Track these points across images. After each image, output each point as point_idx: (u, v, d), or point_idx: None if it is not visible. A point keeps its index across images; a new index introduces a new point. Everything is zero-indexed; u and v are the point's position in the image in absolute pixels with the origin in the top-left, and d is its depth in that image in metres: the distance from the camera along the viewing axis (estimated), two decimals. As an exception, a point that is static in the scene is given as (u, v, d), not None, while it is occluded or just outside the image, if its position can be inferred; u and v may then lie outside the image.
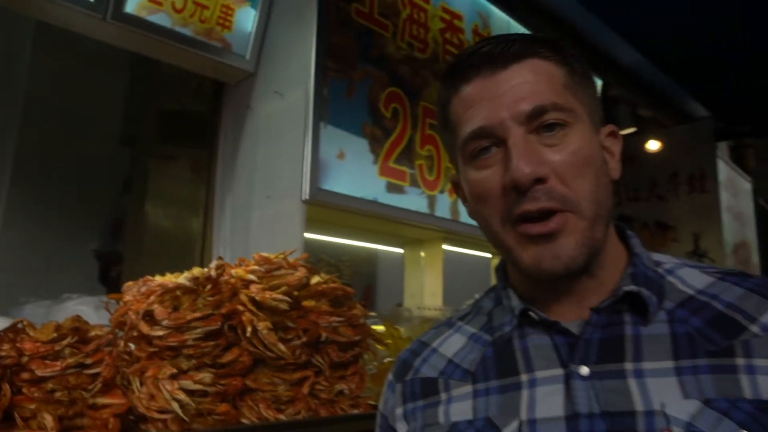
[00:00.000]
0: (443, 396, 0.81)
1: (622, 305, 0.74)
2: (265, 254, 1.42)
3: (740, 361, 0.67)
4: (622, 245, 0.81)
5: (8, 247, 2.67)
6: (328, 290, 1.44)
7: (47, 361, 1.00)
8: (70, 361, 1.02)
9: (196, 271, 1.31)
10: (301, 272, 1.38)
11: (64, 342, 1.03)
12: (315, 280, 1.44)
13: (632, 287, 0.73)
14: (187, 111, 2.63)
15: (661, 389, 0.67)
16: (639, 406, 0.66)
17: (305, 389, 1.33)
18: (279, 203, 2.19)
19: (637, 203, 4.63)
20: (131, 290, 1.33)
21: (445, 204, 2.62)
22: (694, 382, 0.66)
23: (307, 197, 2.07)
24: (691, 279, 0.76)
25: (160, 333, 1.17)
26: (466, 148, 0.77)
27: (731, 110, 4.65)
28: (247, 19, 2.34)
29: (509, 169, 0.71)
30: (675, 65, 4.12)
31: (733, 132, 4.86)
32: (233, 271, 1.35)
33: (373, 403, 1.46)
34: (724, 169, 4.50)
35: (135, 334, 1.22)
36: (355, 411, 1.42)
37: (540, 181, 0.71)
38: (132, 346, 1.24)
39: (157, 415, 1.13)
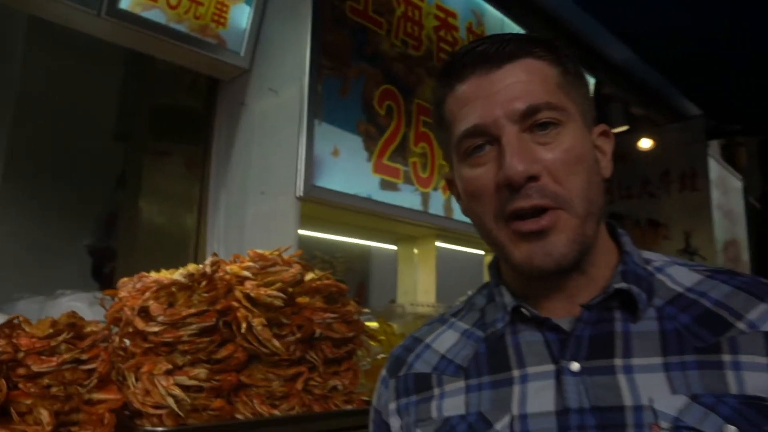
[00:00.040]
0: (436, 391, 0.82)
1: (612, 302, 0.75)
2: (259, 251, 1.43)
3: (727, 358, 0.68)
4: (613, 243, 0.82)
5: (1, 242, 2.66)
6: (322, 287, 1.45)
7: (43, 357, 1.01)
8: (66, 356, 1.03)
9: (192, 267, 1.31)
10: (295, 269, 1.38)
11: (60, 338, 1.03)
12: (309, 276, 1.45)
13: (623, 284, 0.74)
14: (181, 107, 2.63)
15: (650, 385, 0.68)
16: (628, 401, 0.68)
17: (299, 385, 1.33)
18: (273, 200, 2.20)
19: (630, 200, 4.66)
20: (126, 286, 1.33)
21: (438, 201, 2.63)
22: (682, 378, 0.68)
23: (302, 194, 2.07)
24: (680, 277, 0.78)
25: (156, 329, 1.18)
26: (460, 146, 0.78)
27: (723, 109, 4.68)
28: (242, 16, 2.34)
29: (503, 166, 0.72)
30: (668, 64, 4.15)
31: (724, 130, 4.89)
32: (228, 268, 1.36)
33: (366, 398, 1.47)
34: (715, 168, 4.53)
35: (130, 330, 1.22)
36: (349, 407, 1.43)
37: (533, 178, 0.72)
38: (127, 341, 1.25)
39: (152, 411, 1.14)
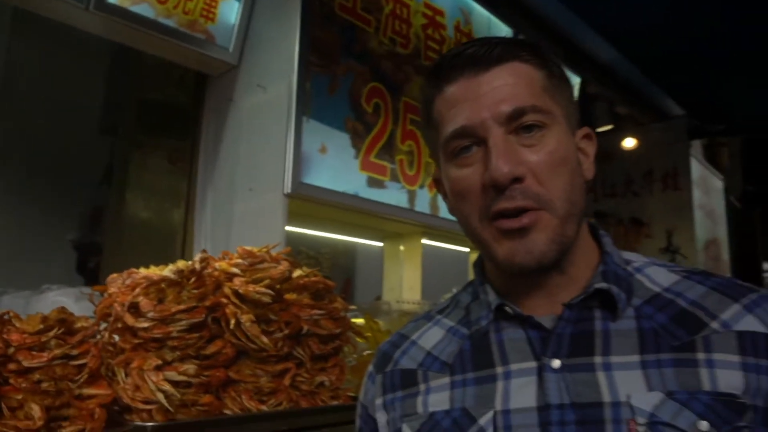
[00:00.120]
0: (422, 387, 0.84)
1: (592, 301, 0.77)
2: (248, 248, 1.44)
3: (701, 356, 0.71)
4: (594, 243, 0.85)
5: (-15, 236, 2.65)
6: (309, 284, 1.46)
7: (34, 352, 1.02)
8: (57, 352, 1.03)
9: (181, 263, 1.32)
10: (283, 266, 1.39)
11: (51, 333, 1.04)
12: (297, 273, 1.46)
13: (603, 284, 0.77)
14: (168, 102, 2.62)
15: (628, 382, 0.71)
16: (606, 397, 0.70)
17: (287, 381, 1.35)
18: (261, 196, 2.20)
19: (613, 199, 4.72)
20: (116, 282, 1.33)
21: (424, 199, 2.65)
22: (658, 375, 0.70)
23: (289, 191, 2.08)
24: (658, 277, 0.80)
25: (145, 325, 1.19)
26: (448, 146, 0.80)
27: (705, 109, 4.74)
28: (231, 12, 2.34)
29: (489, 168, 0.74)
30: (651, 63, 4.19)
31: (706, 130, 4.96)
32: (217, 264, 1.37)
33: (352, 394, 1.49)
34: (697, 168, 4.60)
35: (120, 325, 1.23)
36: (335, 402, 1.45)
37: (517, 180, 0.74)
38: (117, 337, 1.25)
39: (141, 406, 1.15)
